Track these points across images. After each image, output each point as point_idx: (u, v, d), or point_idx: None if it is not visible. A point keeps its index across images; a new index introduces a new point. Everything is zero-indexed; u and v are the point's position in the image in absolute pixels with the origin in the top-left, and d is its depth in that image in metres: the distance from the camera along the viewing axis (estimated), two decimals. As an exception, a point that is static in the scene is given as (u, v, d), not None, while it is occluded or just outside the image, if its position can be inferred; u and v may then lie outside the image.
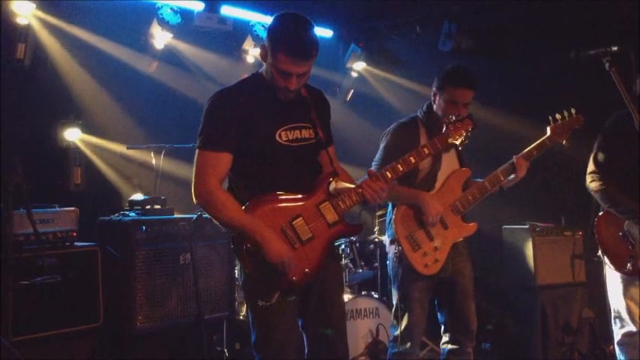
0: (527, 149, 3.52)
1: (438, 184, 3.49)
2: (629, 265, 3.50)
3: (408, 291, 3.43)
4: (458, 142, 3.10)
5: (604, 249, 3.68)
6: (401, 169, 2.87)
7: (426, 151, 3.00)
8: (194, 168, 2.68)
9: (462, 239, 3.53)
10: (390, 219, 3.49)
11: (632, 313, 3.54)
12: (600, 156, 3.66)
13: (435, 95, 3.51)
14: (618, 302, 3.61)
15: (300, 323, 2.84)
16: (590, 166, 3.71)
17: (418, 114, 3.59)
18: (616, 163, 3.60)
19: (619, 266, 3.57)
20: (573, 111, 3.53)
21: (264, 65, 2.74)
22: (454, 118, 3.10)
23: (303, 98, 2.84)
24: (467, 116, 3.14)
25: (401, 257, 3.40)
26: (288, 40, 2.62)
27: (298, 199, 2.72)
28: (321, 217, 2.73)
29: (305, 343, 2.87)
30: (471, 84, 3.43)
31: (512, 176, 3.50)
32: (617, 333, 3.64)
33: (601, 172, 3.65)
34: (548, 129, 3.53)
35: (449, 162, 3.53)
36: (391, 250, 3.50)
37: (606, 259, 3.64)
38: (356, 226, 2.93)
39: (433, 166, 3.45)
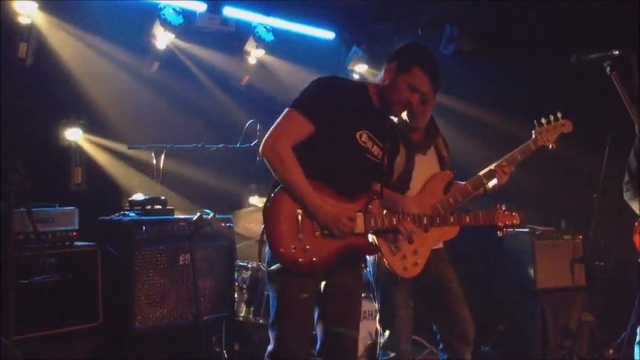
0: (510, 153, 3.50)
1: (413, 184, 3.45)
2: None
3: (391, 297, 3.44)
4: (499, 227, 3.32)
5: None
6: (438, 221, 3.11)
7: (467, 220, 3.21)
8: (278, 121, 2.82)
9: (441, 245, 3.53)
10: None
11: None
12: (633, 166, 3.84)
13: None
14: None
15: (316, 316, 2.95)
16: (626, 177, 3.89)
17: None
18: None
19: None
20: (559, 115, 3.53)
21: (380, 81, 2.95)
22: (507, 208, 3.34)
23: (390, 125, 3.06)
24: (519, 212, 3.36)
25: (381, 261, 3.39)
26: (428, 60, 2.94)
27: (340, 198, 2.86)
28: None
29: (318, 337, 2.97)
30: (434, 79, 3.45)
31: (495, 180, 3.47)
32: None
33: (635, 181, 3.81)
34: (533, 132, 3.53)
35: (425, 163, 3.51)
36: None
37: None
38: (373, 247, 3.08)
39: (407, 165, 3.43)
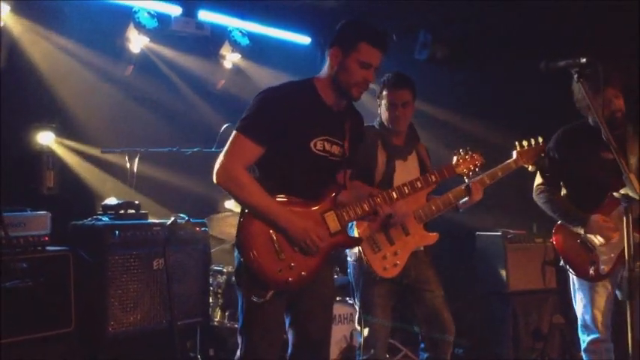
0: (491, 170, 3.56)
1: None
2: (591, 270, 3.56)
3: (370, 296, 3.47)
4: (465, 174, 3.29)
5: (565, 258, 3.73)
6: (407, 191, 3.04)
7: (433, 179, 3.16)
8: (227, 147, 2.76)
9: (422, 248, 3.58)
10: None
11: (596, 321, 3.61)
12: (547, 169, 3.78)
13: (379, 105, 3.65)
14: (584, 310, 3.67)
15: (287, 322, 2.92)
16: (538, 179, 3.83)
17: (375, 125, 3.64)
18: (563, 176, 3.75)
19: (582, 273, 3.64)
20: (540, 139, 3.61)
21: (328, 70, 2.84)
22: (465, 151, 3.31)
23: (346, 114, 2.93)
24: (478, 152, 3.33)
25: (361, 261, 3.43)
26: (371, 31, 2.83)
27: (305, 204, 2.81)
28: (324, 225, 2.81)
29: (289, 342, 2.94)
30: (406, 85, 3.53)
31: (467, 198, 3.53)
32: (584, 340, 3.70)
33: (548, 184, 3.78)
34: (514, 153, 3.60)
35: (406, 169, 3.56)
36: (352, 254, 3.54)
37: (569, 268, 3.70)
38: (356, 238, 3.12)
39: (387, 170, 3.49)
